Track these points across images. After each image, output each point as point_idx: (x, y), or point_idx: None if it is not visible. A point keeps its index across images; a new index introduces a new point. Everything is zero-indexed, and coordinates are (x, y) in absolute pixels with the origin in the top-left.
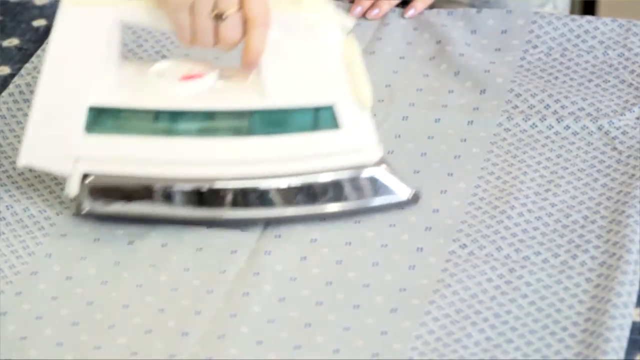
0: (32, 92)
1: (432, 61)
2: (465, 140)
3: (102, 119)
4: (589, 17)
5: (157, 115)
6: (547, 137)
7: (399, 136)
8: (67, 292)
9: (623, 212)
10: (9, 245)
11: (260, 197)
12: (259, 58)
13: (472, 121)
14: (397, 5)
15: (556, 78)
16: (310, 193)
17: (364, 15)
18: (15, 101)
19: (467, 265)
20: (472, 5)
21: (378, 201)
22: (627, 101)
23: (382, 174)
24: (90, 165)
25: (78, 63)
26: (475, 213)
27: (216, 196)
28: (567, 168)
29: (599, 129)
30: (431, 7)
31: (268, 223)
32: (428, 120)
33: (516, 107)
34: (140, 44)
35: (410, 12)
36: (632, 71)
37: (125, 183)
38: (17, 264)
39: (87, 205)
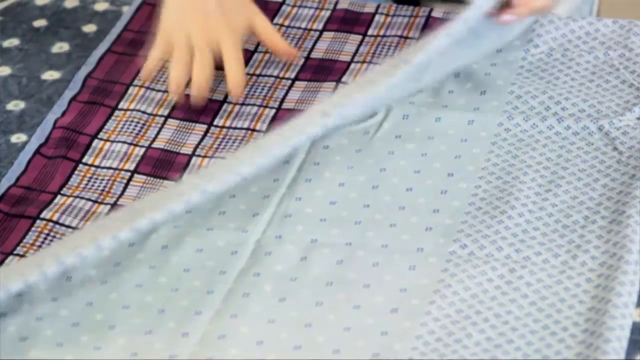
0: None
1: None
2: (465, 140)
3: None
4: (590, 19)
5: None
6: (547, 138)
7: (399, 136)
8: (67, 293)
9: (623, 212)
10: None
11: None
12: None
13: (472, 121)
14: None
15: (557, 78)
16: None
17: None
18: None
19: (468, 265)
20: None
21: None
22: (627, 101)
23: None
24: None
25: None
26: (475, 213)
27: None
28: (567, 168)
29: (600, 129)
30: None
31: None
32: (428, 120)
33: (516, 107)
34: None
35: (507, 17)
36: (633, 71)
37: None
38: None
39: None
